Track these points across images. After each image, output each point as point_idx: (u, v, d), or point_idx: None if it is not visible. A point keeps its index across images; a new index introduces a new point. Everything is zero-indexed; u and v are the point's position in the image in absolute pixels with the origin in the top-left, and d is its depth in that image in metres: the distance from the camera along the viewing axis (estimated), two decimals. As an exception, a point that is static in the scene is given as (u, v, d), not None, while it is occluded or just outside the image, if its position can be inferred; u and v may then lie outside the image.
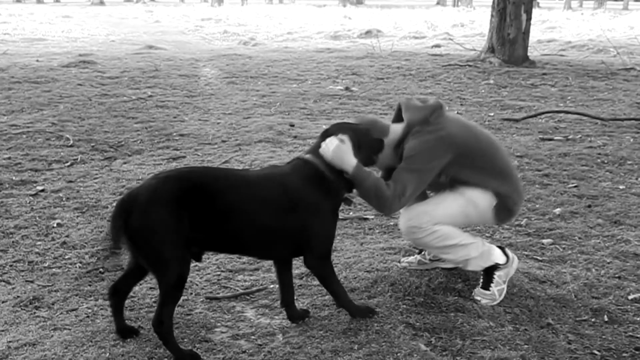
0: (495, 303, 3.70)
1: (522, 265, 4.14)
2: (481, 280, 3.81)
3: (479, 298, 3.72)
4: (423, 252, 4.15)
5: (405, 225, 3.68)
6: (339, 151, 3.40)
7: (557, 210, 5.16)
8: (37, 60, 13.24)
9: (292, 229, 3.34)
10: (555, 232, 4.76)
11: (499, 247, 3.87)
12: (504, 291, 3.76)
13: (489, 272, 3.77)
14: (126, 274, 3.41)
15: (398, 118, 3.79)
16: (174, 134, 7.67)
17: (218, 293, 3.88)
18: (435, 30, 21.81)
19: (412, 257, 4.21)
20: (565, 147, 6.96)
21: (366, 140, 3.56)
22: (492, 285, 3.74)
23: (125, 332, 3.39)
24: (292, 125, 7.98)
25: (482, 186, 3.68)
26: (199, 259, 3.37)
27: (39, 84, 10.63)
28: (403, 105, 3.75)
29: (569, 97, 10.04)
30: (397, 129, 3.68)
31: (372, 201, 3.58)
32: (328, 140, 3.44)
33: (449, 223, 3.68)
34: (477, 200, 3.68)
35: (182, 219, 3.10)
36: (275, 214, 3.30)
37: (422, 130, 3.57)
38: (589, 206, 5.26)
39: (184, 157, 6.72)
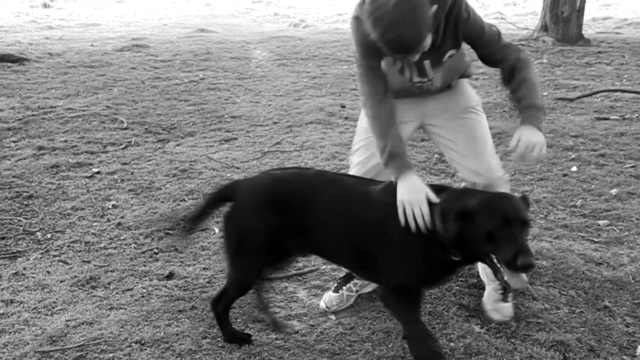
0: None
1: (578, 246, 4.08)
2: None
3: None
4: (349, 284, 3.59)
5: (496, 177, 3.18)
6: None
7: (614, 191, 5.05)
8: (92, 45, 13.41)
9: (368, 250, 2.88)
10: (611, 213, 4.66)
11: None
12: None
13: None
14: None
15: None
16: (226, 116, 7.72)
17: (270, 274, 3.89)
18: (487, 10, 21.40)
19: (333, 296, 3.58)
20: (621, 127, 6.80)
21: None
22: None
23: (235, 338, 3.20)
24: (343, 107, 7.95)
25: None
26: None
27: (94, 68, 10.78)
28: None
29: (625, 76, 9.79)
30: None
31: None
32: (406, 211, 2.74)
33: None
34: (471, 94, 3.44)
35: (272, 226, 2.90)
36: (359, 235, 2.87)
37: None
38: (647, 187, 5.15)
39: (236, 138, 6.76)
